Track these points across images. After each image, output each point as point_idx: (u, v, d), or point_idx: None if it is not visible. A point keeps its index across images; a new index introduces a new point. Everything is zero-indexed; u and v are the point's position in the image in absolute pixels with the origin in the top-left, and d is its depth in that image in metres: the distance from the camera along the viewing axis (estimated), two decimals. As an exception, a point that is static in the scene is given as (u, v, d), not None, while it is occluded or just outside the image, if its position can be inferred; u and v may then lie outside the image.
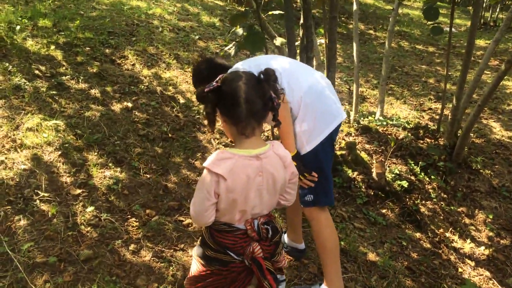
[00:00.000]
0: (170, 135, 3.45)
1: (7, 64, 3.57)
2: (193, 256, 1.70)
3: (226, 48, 3.48)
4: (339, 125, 2.08)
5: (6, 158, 2.72)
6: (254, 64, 2.00)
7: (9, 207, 2.41)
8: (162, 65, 4.58)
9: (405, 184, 3.35)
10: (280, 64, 2.04)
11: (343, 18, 9.54)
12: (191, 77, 2.30)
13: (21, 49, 3.89)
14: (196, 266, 1.64)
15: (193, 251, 1.70)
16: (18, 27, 4.18)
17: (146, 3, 6.57)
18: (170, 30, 5.65)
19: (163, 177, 3.00)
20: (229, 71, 2.10)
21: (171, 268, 2.30)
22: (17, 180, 2.60)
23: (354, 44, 4.46)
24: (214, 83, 1.46)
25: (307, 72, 2.10)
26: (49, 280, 2.07)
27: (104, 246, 2.35)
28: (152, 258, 2.34)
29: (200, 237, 1.64)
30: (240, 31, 3.38)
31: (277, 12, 3.45)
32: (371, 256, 2.72)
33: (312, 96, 1.98)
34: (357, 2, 4.37)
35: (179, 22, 6.10)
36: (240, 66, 2.03)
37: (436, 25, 3.63)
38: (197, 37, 5.73)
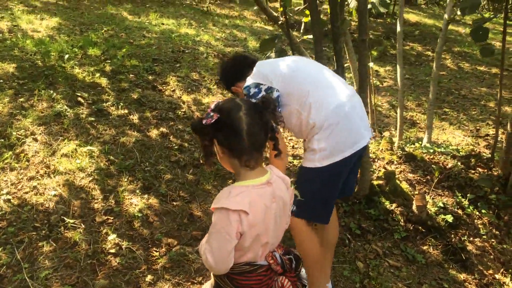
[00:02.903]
0: (202, 161, 3.43)
1: (51, 92, 3.76)
2: None
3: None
4: (363, 148, 2.01)
5: (38, 183, 2.81)
6: (278, 73, 2.04)
7: (34, 233, 2.47)
8: (203, 91, 4.62)
9: (450, 218, 3.06)
10: (311, 77, 2.04)
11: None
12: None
13: (67, 77, 4.09)
14: None
15: None
16: (66, 56, 4.41)
17: (195, 30, 6.75)
18: (214, 56, 5.72)
19: (190, 204, 2.96)
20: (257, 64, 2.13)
21: (185, 302, 2.23)
22: (46, 206, 2.67)
23: (398, 67, 4.25)
24: (211, 114, 1.38)
25: (338, 88, 2.02)
26: (61, 309, 2.07)
27: (121, 276, 2.33)
28: (168, 291, 2.28)
29: (211, 284, 1.51)
30: (273, 56, 3.34)
31: (311, 36, 3.36)
32: (406, 299, 2.49)
33: (338, 117, 1.93)
34: (401, 22, 4.17)
35: (224, 48, 6.18)
36: (261, 72, 2.06)
37: (486, 45, 3.36)
38: (241, 62, 5.76)
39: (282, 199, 1.43)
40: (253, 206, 1.32)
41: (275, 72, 2.04)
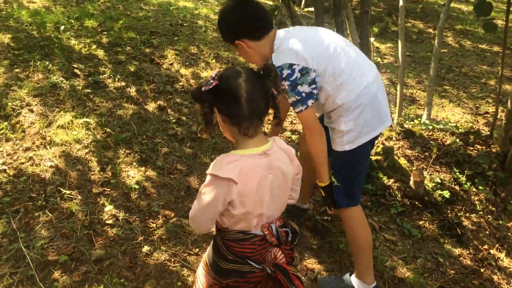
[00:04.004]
0: (198, 135, 3.40)
1: (47, 63, 3.70)
2: (201, 267, 1.61)
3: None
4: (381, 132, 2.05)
5: (34, 154, 2.79)
6: (314, 49, 1.84)
7: (30, 203, 2.46)
8: (201, 65, 4.56)
9: (446, 194, 3.07)
10: (344, 54, 1.89)
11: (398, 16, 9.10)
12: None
13: (63, 48, 4.02)
14: (205, 280, 1.55)
15: (202, 261, 1.60)
16: (62, 27, 4.33)
17: (193, 3, 6.62)
18: (213, 29, 5.63)
19: (187, 177, 2.96)
20: (277, 38, 1.90)
21: (182, 273, 2.24)
22: (42, 176, 2.66)
23: (400, 43, 4.19)
24: (211, 81, 1.36)
25: (365, 66, 1.95)
26: (58, 279, 2.08)
27: (118, 246, 2.33)
28: (164, 262, 2.29)
29: (211, 246, 1.54)
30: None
31: (312, 8, 3.30)
32: (401, 272, 2.50)
33: (367, 97, 1.89)
34: (404, -3, 4.10)
35: (223, 22, 6.07)
36: (293, 45, 1.83)
37: (489, 20, 3.30)
38: (240, 36, 5.67)
39: (282, 171, 1.41)
40: (244, 176, 1.31)
41: (311, 50, 1.84)
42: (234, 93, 1.32)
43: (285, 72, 1.80)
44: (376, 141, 2.15)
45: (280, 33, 1.91)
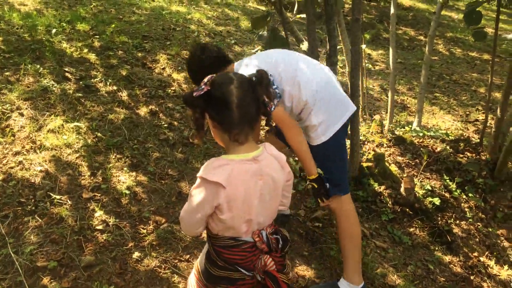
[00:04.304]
0: (191, 140, 3.39)
1: (38, 66, 3.67)
2: (193, 274, 1.61)
3: (252, 51, 3.40)
4: (350, 118, 2.17)
5: (24, 159, 2.76)
6: (265, 61, 2.05)
7: (20, 208, 2.43)
8: (193, 69, 4.55)
9: (437, 201, 3.09)
10: (293, 59, 2.09)
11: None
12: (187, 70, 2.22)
13: (55, 51, 3.99)
14: (196, 286, 1.55)
15: (194, 268, 1.60)
16: (54, 30, 4.30)
17: (186, 8, 6.62)
18: (206, 34, 5.64)
19: (179, 183, 2.94)
20: (235, 67, 2.12)
21: (172, 279, 2.23)
22: (32, 181, 2.63)
23: (391, 50, 4.22)
24: (203, 86, 1.36)
25: (317, 67, 2.15)
26: (47, 285, 2.05)
27: (108, 252, 2.31)
28: (155, 268, 2.27)
29: (203, 253, 1.54)
30: (265, 34, 3.29)
31: (304, 15, 3.31)
32: (391, 279, 2.51)
33: (326, 89, 2.06)
34: (395, 5, 4.13)
35: (216, 27, 6.09)
36: (249, 61, 2.04)
37: (478, 29, 3.34)
38: (233, 41, 5.69)
39: (272, 178, 1.40)
40: (233, 180, 1.31)
41: (261, 60, 2.06)
42: (225, 99, 1.32)
43: None
44: (348, 129, 2.33)
45: (236, 63, 2.16)
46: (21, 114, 3.14)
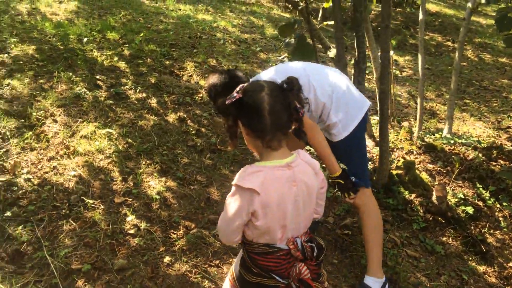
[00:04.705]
0: (218, 146, 3.42)
1: (71, 74, 3.77)
2: (228, 279, 1.61)
3: (279, 58, 3.41)
4: (367, 113, 2.27)
5: (58, 164, 2.83)
6: (280, 72, 2.11)
7: (54, 212, 2.49)
8: (220, 77, 4.59)
9: (470, 210, 3.01)
10: (300, 68, 2.19)
11: (417, 29, 9.06)
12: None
13: (86, 60, 4.10)
14: None
15: (229, 274, 1.61)
16: (85, 39, 4.41)
17: (212, 16, 6.71)
18: (232, 42, 5.69)
19: (207, 189, 2.96)
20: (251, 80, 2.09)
21: (203, 284, 2.23)
22: (66, 186, 2.69)
23: (420, 56, 4.17)
24: (235, 94, 1.38)
25: (329, 71, 2.26)
26: (81, 287, 2.09)
27: (140, 256, 2.34)
28: (185, 273, 2.29)
29: (239, 259, 1.55)
30: (292, 41, 3.30)
31: (332, 22, 3.31)
32: (424, 289, 2.46)
33: (341, 89, 2.17)
34: (424, 11, 4.08)
35: (242, 35, 6.14)
36: (267, 76, 2.10)
37: (510, 35, 3.27)
38: (258, 49, 5.72)
39: (306, 185, 1.40)
40: (267, 187, 1.32)
41: (278, 71, 2.13)
42: (257, 106, 1.34)
43: None
44: (366, 124, 2.37)
45: (252, 79, 2.14)
46: (55, 121, 3.22)
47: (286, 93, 1.37)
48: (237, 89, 1.39)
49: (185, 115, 3.71)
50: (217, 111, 1.41)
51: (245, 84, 1.43)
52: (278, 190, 1.34)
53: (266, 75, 2.12)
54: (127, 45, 4.65)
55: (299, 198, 1.39)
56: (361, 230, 2.44)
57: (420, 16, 4.13)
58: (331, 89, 2.14)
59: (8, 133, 2.99)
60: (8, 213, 2.42)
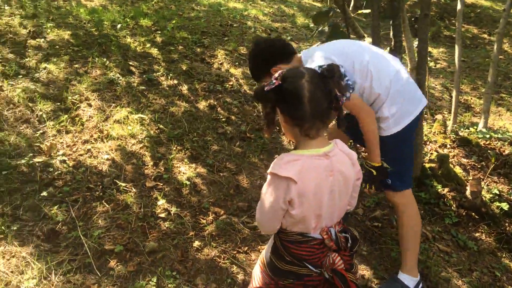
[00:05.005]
0: (248, 134, 3.42)
1: (105, 60, 3.83)
2: (258, 265, 1.61)
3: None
4: (421, 112, 2.16)
5: (92, 147, 2.89)
6: (335, 52, 2.02)
7: (88, 193, 2.55)
8: (250, 65, 4.58)
9: (505, 206, 2.92)
10: (363, 50, 2.08)
11: (452, 20, 8.79)
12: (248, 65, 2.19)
13: (120, 46, 4.15)
14: (261, 277, 1.55)
15: (260, 260, 1.61)
16: (119, 25, 4.47)
17: (243, 4, 6.68)
18: (262, 30, 5.65)
19: (236, 176, 2.97)
20: (303, 54, 2.10)
21: (231, 270, 2.25)
22: (100, 168, 2.75)
23: (457, 47, 4.04)
24: (274, 81, 1.35)
25: (391, 57, 2.14)
26: (113, 268, 2.14)
27: (170, 240, 2.37)
28: (214, 258, 2.31)
29: (270, 246, 1.53)
30: (326, 29, 3.25)
31: (367, 11, 3.24)
32: (455, 284, 2.41)
33: (400, 82, 2.04)
34: (462, 1, 3.95)
35: (272, 23, 6.09)
36: (319, 53, 2.01)
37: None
38: (289, 38, 5.67)
39: (343, 175, 1.38)
40: (304, 176, 1.30)
41: (333, 51, 2.04)
42: (297, 93, 1.31)
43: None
44: (418, 123, 2.24)
45: (304, 52, 2.13)
46: (89, 105, 3.29)
47: (326, 80, 1.33)
48: (276, 75, 1.37)
49: (215, 103, 3.72)
50: (255, 98, 1.38)
51: (283, 70, 1.40)
52: (315, 179, 1.33)
53: (321, 55, 2.01)
54: (159, 32, 4.69)
55: (335, 188, 1.37)
56: (397, 227, 2.38)
57: (458, 7, 3.99)
58: (389, 79, 2.02)
59: (44, 115, 3.07)
60: (44, 193, 2.49)
